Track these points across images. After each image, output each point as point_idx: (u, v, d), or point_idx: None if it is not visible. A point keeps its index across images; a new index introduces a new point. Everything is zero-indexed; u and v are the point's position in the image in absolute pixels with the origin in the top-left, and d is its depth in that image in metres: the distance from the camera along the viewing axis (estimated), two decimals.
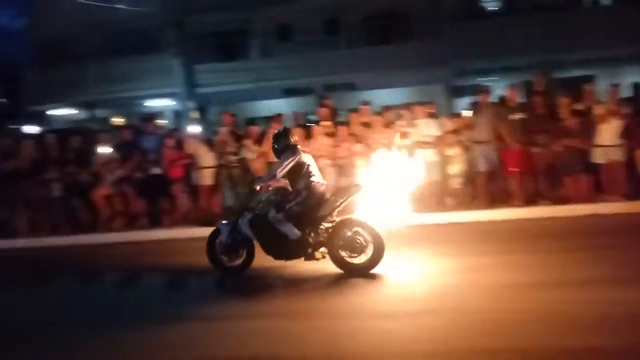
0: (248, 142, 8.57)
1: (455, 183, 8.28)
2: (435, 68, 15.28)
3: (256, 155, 8.36)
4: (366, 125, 8.40)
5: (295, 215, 5.12)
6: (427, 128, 8.22)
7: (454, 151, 8.22)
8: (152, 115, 11.33)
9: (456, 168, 8.21)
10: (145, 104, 19.11)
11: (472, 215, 7.78)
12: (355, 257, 4.97)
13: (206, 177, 8.63)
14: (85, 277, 6.48)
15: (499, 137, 8.02)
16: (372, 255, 4.91)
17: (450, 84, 15.90)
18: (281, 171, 5.15)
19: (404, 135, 8.30)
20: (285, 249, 5.17)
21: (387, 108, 9.38)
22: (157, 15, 17.81)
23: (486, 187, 8.14)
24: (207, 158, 8.65)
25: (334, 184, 6.14)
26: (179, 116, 18.48)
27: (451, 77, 15.86)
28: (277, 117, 8.79)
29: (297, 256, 5.20)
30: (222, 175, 8.65)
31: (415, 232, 5.56)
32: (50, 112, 21.06)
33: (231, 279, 5.55)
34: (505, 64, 14.51)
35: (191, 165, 8.73)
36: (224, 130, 8.89)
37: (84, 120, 19.81)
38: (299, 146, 5.37)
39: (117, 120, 17.97)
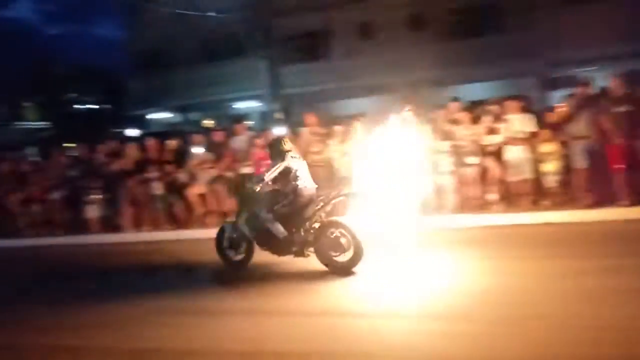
0: (332, 142, 8.66)
1: (551, 181, 7.81)
2: (527, 60, 14.53)
3: (340, 154, 8.42)
4: (455, 122, 8.18)
5: (282, 216, 5.61)
6: (520, 123, 7.83)
7: (550, 147, 7.76)
8: (241, 117, 11.81)
9: (552, 165, 7.75)
10: (233, 106, 19.95)
11: (571, 216, 7.29)
12: (338, 255, 5.35)
13: None
14: (186, 269, 6.87)
15: (601, 132, 7.44)
16: (353, 254, 5.27)
17: (544, 76, 15.03)
18: (269, 175, 5.63)
19: (493, 131, 8.00)
20: (274, 246, 5.69)
21: (476, 103, 9.05)
22: (244, 21, 18.52)
23: (586, 186, 7.60)
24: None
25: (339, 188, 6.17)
26: (265, 117, 19.10)
27: (544, 69, 14.99)
28: (361, 116, 8.79)
29: (286, 253, 5.69)
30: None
31: (507, 232, 5.34)
32: (149, 116, 22.62)
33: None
34: (604, 52, 13.44)
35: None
36: (307, 131, 9.05)
37: (179, 123, 21.11)
38: (290, 153, 5.77)
39: (208, 123, 18.94)
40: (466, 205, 8.05)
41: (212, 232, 8.68)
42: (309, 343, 3.72)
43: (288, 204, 5.62)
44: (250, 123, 15.97)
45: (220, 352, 3.79)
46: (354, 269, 5.30)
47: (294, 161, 5.75)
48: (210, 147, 9.51)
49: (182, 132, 12.81)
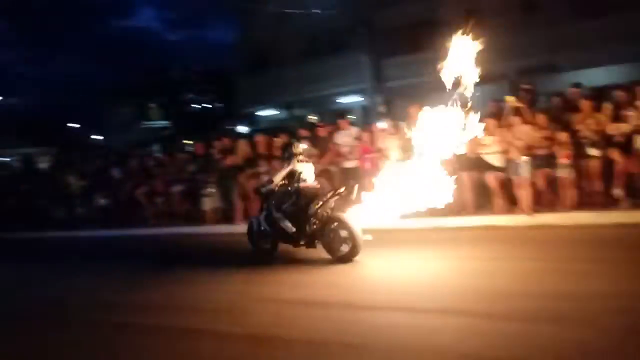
0: None
1: None
2: None
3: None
4: (574, 110, 7.56)
5: (290, 213, 6.40)
6: None
7: None
8: (344, 112, 11.95)
9: None
10: (337, 101, 20.20)
11: None
12: (339, 247, 5.99)
13: None
14: (288, 261, 7.13)
15: None
16: (352, 246, 5.91)
17: None
18: (277, 177, 6.55)
19: (620, 119, 7.27)
20: (286, 239, 6.49)
21: (599, 89, 8.28)
22: (346, 16, 18.63)
23: None
24: (396, 151, 8.77)
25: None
26: (367, 111, 19.10)
27: None
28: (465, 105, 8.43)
29: (297, 245, 6.43)
30: None
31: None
32: (258, 113, 23.68)
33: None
34: None
35: (381, 158, 8.96)
36: (410, 124, 8.88)
37: (285, 119, 21.86)
38: (298, 157, 6.56)
39: (313, 118, 19.38)
40: (587, 201, 7.43)
41: None
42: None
43: (293, 203, 6.40)
44: (352, 117, 16.10)
45: (327, 343, 3.88)
46: (357, 258, 5.95)
47: (300, 164, 6.54)
48: (316, 142, 9.74)
49: (289, 128, 13.24)
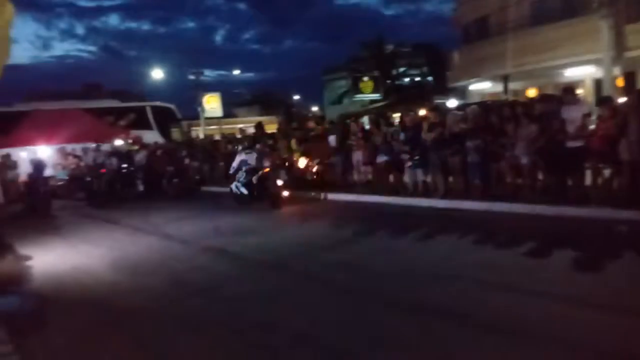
0: None
1: None
2: None
3: None
4: None
5: (245, 184, 11.59)
6: None
7: None
8: (572, 85, 10.55)
9: None
10: (563, 73, 18.02)
11: None
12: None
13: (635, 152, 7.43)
14: (479, 241, 6.74)
15: None
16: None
17: None
18: (233, 166, 12.24)
19: None
20: (247, 198, 11.56)
21: None
22: None
23: None
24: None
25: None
26: (600, 85, 16.56)
27: None
28: None
29: (256, 200, 11.37)
30: None
31: None
32: (470, 87, 22.66)
33: None
34: None
35: (619, 138, 7.68)
36: None
37: (497, 93, 20.44)
38: (245, 150, 12.18)
39: (532, 92, 17.67)
40: None
41: (521, 208, 8.30)
42: None
43: (243, 178, 11.69)
44: (579, 91, 14.14)
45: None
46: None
47: (244, 155, 11.99)
48: (536, 117, 8.84)
49: (504, 102, 12.31)
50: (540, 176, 8.93)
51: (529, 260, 5.84)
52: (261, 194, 11.29)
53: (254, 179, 11.36)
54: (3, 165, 16.21)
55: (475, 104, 13.98)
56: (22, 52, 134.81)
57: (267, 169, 11.36)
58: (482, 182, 9.44)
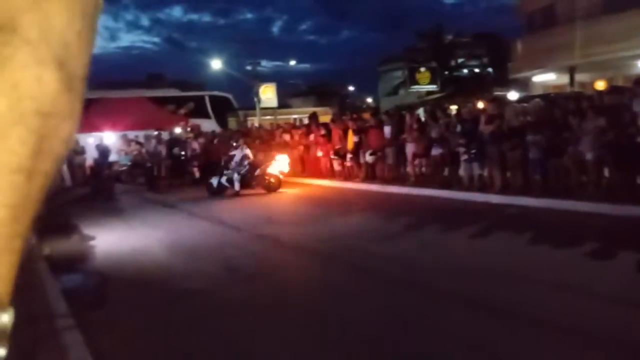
0: None
1: None
2: None
3: None
4: None
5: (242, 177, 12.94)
6: None
7: None
8: None
9: None
10: (636, 64, 16.89)
11: None
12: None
13: None
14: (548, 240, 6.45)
15: None
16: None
17: None
18: (236, 159, 13.08)
19: None
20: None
21: None
22: None
23: None
24: None
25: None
26: None
27: None
28: None
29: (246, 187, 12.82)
30: None
31: None
32: (534, 79, 21.72)
33: None
34: None
35: None
36: None
37: (562, 85, 19.45)
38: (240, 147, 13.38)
39: (600, 84, 16.68)
40: None
41: (584, 206, 7.87)
42: None
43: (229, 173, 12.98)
44: None
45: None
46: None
47: (239, 151, 13.11)
48: (603, 110, 8.35)
49: (569, 95, 11.71)
50: (606, 173, 8.44)
51: (589, 261, 5.54)
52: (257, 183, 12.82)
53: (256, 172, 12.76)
54: (71, 150, 17.20)
55: (538, 96, 13.40)
56: None
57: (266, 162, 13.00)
58: (542, 178, 9.05)
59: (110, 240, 8.25)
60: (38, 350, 3.79)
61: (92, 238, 8.43)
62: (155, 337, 4.26)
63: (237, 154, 13.00)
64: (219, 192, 12.77)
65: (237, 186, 12.62)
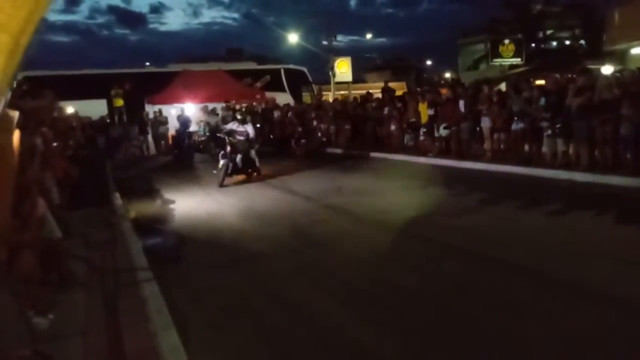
0: None
1: None
2: None
3: None
4: None
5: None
6: None
7: None
8: None
9: None
10: None
11: None
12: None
13: None
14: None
15: None
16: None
17: None
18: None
19: None
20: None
21: None
22: None
23: None
24: None
25: None
26: None
27: None
28: None
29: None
30: None
31: None
32: (631, 51, 19.90)
33: None
34: None
35: None
36: None
37: None
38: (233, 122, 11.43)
39: None
40: None
41: None
42: None
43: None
44: None
45: None
46: None
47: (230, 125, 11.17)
48: None
49: None
50: None
51: None
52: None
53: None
54: (155, 121, 18.13)
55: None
56: (175, 19, 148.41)
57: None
58: (634, 157, 8.30)
59: (188, 204, 8.67)
60: (120, 298, 4.09)
61: (172, 202, 8.91)
62: (220, 295, 4.44)
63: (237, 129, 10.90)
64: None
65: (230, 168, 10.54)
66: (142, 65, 30.65)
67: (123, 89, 18.32)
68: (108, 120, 18.18)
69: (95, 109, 18.08)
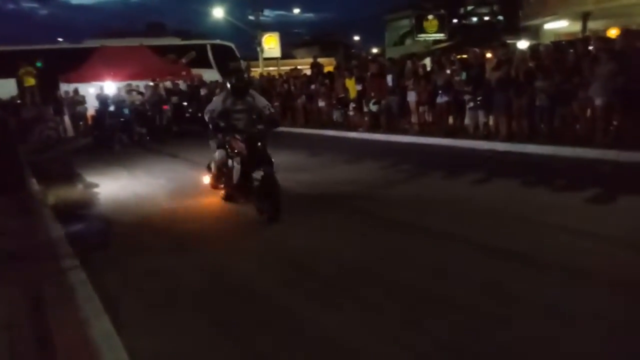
0: None
1: None
2: None
3: None
4: None
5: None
6: None
7: None
8: None
9: None
10: None
11: None
12: None
13: None
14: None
15: None
16: None
17: None
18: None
19: None
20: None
21: None
22: None
23: None
24: None
25: None
26: None
27: None
28: None
29: None
30: None
31: None
32: (545, 26, 21.07)
33: None
34: None
35: None
36: None
37: (574, 33, 18.86)
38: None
39: (613, 32, 16.15)
40: None
41: (591, 153, 7.75)
42: None
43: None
44: None
45: None
46: None
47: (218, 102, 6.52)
48: (615, 54, 8.09)
49: (580, 41, 11.32)
50: (614, 120, 8.28)
51: (593, 205, 5.52)
52: None
53: None
54: (72, 100, 17.01)
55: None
56: None
57: None
58: (548, 126, 8.90)
59: (113, 187, 8.27)
60: (44, 289, 3.85)
61: (96, 186, 8.45)
62: (155, 278, 4.30)
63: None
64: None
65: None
66: (54, 41, 28.52)
67: (34, 66, 16.98)
68: (19, 101, 16.83)
69: (4, 88, 16.68)
